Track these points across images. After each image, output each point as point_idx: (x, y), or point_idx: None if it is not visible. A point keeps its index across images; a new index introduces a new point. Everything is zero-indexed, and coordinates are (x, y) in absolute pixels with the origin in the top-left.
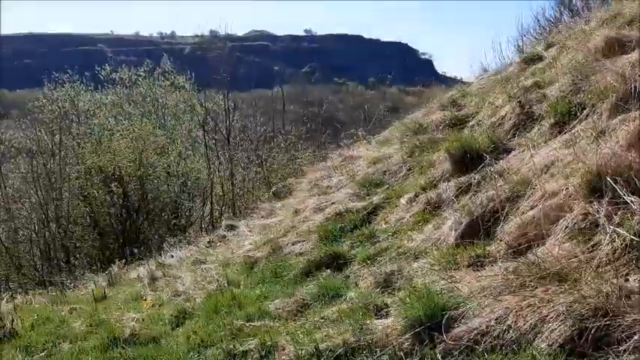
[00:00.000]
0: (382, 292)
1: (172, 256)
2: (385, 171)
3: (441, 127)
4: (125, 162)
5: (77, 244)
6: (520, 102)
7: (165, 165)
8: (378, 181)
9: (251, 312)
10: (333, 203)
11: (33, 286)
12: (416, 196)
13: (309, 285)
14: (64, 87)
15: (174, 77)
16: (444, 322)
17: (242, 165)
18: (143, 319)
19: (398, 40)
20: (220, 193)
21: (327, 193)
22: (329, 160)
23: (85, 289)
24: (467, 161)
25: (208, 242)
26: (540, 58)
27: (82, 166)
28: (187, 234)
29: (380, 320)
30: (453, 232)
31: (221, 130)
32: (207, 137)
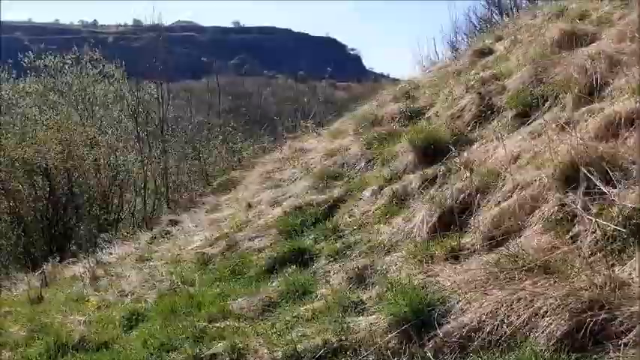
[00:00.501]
0: (356, 288)
1: (111, 254)
2: (343, 163)
3: (397, 119)
4: (52, 154)
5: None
6: (479, 93)
7: (95, 157)
8: (336, 173)
9: (213, 312)
10: (290, 196)
11: None
12: (380, 188)
13: (274, 282)
14: None
15: (103, 65)
16: (432, 318)
17: (175, 157)
18: (90, 322)
19: (327, 35)
20: (153, 187)
21: (281, 186)
22: (277, 152)
23: (16, 290)
24: (430, 153)
25: (150, 238)
26: (491, 52)
27: (3, 158)
28: (118, 230)
29: (361, 318)
30: (425, 224)
31: (154, 121)
32: (139, 128)
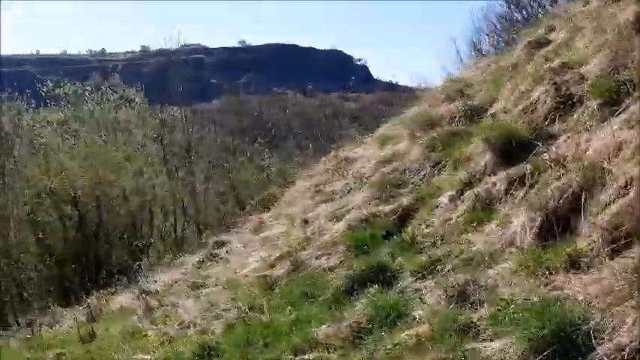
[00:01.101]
0: (460, 308)
1: (155, 281)
2: (405, 169)
3: (457, 118)
4: (81, 182)
5: (30, 276)
6: (555, 84)
7: (124, 183)
8: (398, 181)
9: (296, 342)
10: (350, 209)
11: None
12: (458, 193)
13: (357, 305)
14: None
15: (123, 90)
16: (579, 339)
17: (201, 178)
18: None
19: (333, 48)
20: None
21: (335, 199)
22: (319, 164)
23: (60, 326)
24: (509, 151)
25: (198, 262)
26: (548, 42)
27: (30, 189)
28: (149, 255)
29: (486, 344)
30: (528, 230)
31: (180, 143)
32: (164, 151)
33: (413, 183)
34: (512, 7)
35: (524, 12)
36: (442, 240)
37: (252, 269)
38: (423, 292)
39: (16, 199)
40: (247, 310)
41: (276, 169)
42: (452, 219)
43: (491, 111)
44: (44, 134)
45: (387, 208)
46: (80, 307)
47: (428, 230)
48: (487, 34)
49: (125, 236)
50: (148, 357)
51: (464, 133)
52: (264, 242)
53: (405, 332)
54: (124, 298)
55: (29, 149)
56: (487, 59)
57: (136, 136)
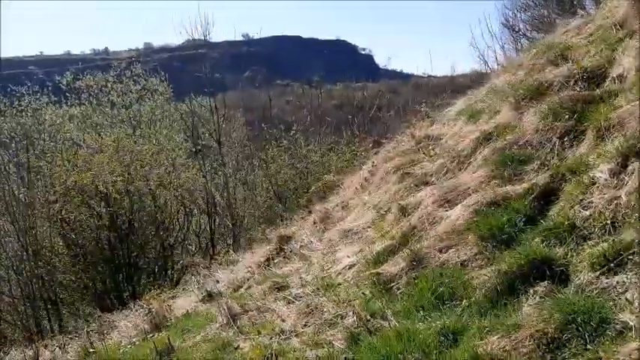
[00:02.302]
0: None
1: (218, 282)
2: (522, 144)
3: (571, 84)
4: (112, 177)
5: (62, 279)
6: None
7: (156, 178)
8: (518, 157)
9: (462, 357)
10: (465, 192)
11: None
12: (621, 166)
13: (525, 308)
14: (22, 100)
15: (146, 79)
16: None
17: (231, 171)
18: None
19: (336, 38)
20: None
21: (431, 182)
22: (397, 144)
23: (118, 336)
24: None
25: (264, 260)
26: None
27: (58, 187)
28: (185, 252)
29: None
30: None
31: (210, 133)
32: (195, 143)
33: (539, 158)
34: None
35: None
36: (614, 223)
37: (348, 266)
38: (619, 290)
39: (43, 197)
40: (368, 316)
41: (318, 157)
42: (620, 197)
43: (611, 74)
44: (68, 129)
45: (518, 188)
46: (136, 312)
47: (588, 212)
48: (522, 10)
49: (160, 233)
50: None
51: (591, 98)
52: (346, 235)
53: (621, 346)
54: (185, 302)
55: (53, 145)
56: (577, 21)
57: (163, 128)
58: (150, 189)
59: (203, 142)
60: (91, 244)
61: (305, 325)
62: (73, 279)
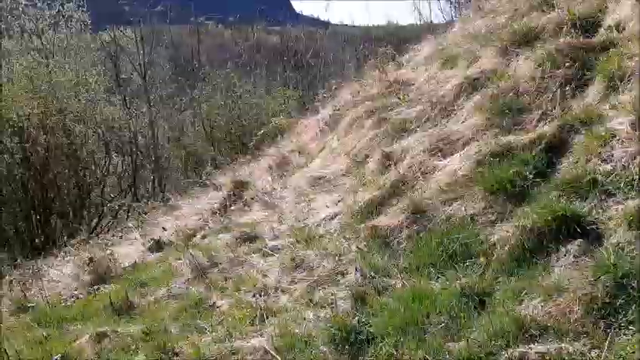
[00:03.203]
0: None
1: (164, 229)
2: (520, 91)
3: (564, 31)
4: (27, 110)
5: None
6: None
7: (78, 111)
8: (515, 105)
9: (500, 323)
10: (459, 141)
11: None
12: None
13: (559, 269)
14: None
15: (62, 5)
16: None
17: (156, 109)
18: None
19: None
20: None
21: (413, 130)
22: (360, 89)
23: (47, 286)
24: None
25: (220, 208)
26: None
27: None
28: (104, 195)
29: None
30: None
31: (134, 67)
32: (119, 76)
33: (540, 107)
34: None
35: None
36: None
37: (329, 217)
38: None
39: None
40: (372, 273)
41: (256, 99)
42: None
43: (606, 22)
44: None
45: (522, 138)
46: (67, 260)
47: (609, 167)
48: None
49: (78, 173)
50: (256, 343)
51: (591, 46)
52: (316, 183)
53: None
54: (128, 250)
55: None
56: None
57: (81, 59)
58: (67, 124)
59: (123, 77)
60: (1, 182)
61: (293, 282)
62: None
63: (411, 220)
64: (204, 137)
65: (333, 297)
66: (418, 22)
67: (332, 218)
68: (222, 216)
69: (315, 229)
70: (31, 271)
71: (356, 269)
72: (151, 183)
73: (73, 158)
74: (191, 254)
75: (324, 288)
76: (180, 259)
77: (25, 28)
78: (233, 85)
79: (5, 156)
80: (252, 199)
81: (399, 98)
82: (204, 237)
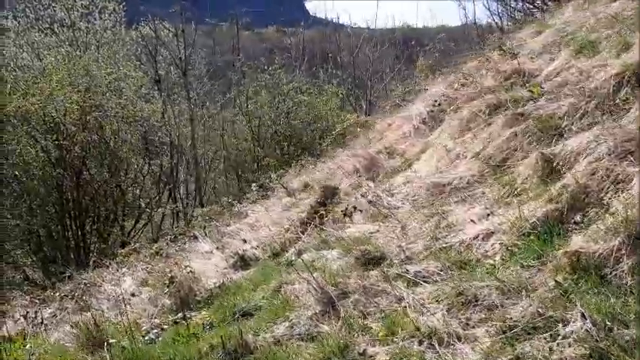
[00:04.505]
0: None
1: (245, 241)
2: None
3: None
4: (66, 105)
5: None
6: None
7: (120, 107)
8: None
9: None
10: None
11: None
12: None
13: None
14: None
15: None
16: None
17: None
18: None
19: None
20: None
21: (560, 126)
22: (465, 81)
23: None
24: None
25: (309, 217)
26: None
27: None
28: (138, 198)
29: None
30: None
31: (175, 62)
32: (157, 71)
33: None
34: None
35: None
36: None
37: (481, 236)
38: None
39: None
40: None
41: (305, 96)
42: None
43: None
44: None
45: None
46: (125, 274)
47: None
48: None
49: (118, 174)
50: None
51: None
52: (439, 191)
53: None
54: (205, 267)
55: None
56: None
57: (115, 53)
58: (109, 122)
59: (162, 73)
60: (37, 185)
61: (468, 325)
62: (13, 223)
63: (627, 245)
64: (249, 137)
65: (555, 357)
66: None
67: (486, 237)
68: (316, 227)
69: (466, 251)
70: (83, 289)
71: (583, 315)
72: (189, 186)
73: (112, 158)
74: (314, 278)
75: (529, 339)
76: (286, 283)
77: (55, 18)
78: (280, 81)
79: (40, 154)
80: (355, 208)
81: (531, 91)
82: (299, 253)
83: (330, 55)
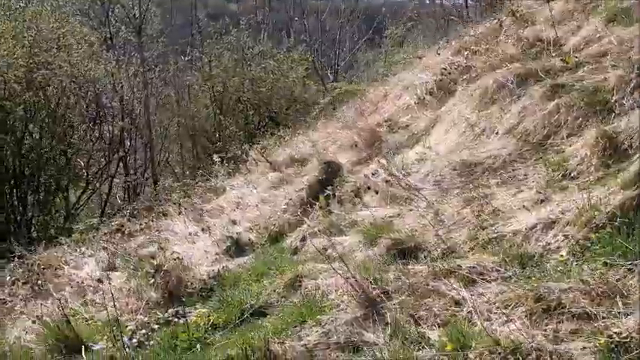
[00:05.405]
0: None
1: (234, 222)
2: None
3: None
4: (10, 60)
5: None
6: None
7: (70, 64)
8: None
9: None
10: None
11: None
12: None
13: None
14: None
15: None
16: None
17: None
18: None
19: None
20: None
21: (611, 101)
22: (480, 47)
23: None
24: None
25: (313, 198)
26: None
27: None
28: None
29: None
30: None
31: (129, 19)
32: (111, 30)
33: None
34: None
35: None
36: None
37: (540, 227)
38: None
39: None
40: None
41: (274, 62)
42: None
43: None
44: None
45: None
46: (95, 257)
47: None
48: None
49: (65, 141)
50: None
51: None
52: (470, 172)
53: None
54: (194, 251)
55: None
56: None
57: (65, 7)
58: (57, 81)
59: (113, 31)
60: None
61: (557, 338)
62: None
63: None
64: (210, 104)
65: None
66: None
67: (546, 228)
68: (322, 209)
69: (523, 243)
70: (37, 272)
71: None
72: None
73: (59, 122)
74: (353, 276)
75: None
76: (305, 276)
77: None
78: (244, 44)
79: None
80: (369, 187)
81: (564, 60)
82: (303, 239)
83: (296, 19)
